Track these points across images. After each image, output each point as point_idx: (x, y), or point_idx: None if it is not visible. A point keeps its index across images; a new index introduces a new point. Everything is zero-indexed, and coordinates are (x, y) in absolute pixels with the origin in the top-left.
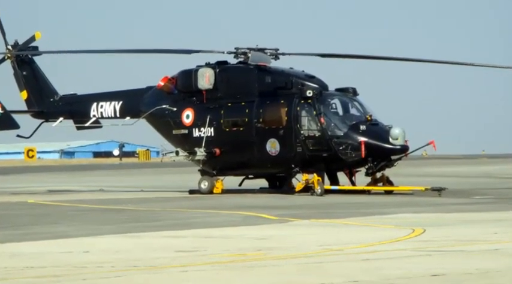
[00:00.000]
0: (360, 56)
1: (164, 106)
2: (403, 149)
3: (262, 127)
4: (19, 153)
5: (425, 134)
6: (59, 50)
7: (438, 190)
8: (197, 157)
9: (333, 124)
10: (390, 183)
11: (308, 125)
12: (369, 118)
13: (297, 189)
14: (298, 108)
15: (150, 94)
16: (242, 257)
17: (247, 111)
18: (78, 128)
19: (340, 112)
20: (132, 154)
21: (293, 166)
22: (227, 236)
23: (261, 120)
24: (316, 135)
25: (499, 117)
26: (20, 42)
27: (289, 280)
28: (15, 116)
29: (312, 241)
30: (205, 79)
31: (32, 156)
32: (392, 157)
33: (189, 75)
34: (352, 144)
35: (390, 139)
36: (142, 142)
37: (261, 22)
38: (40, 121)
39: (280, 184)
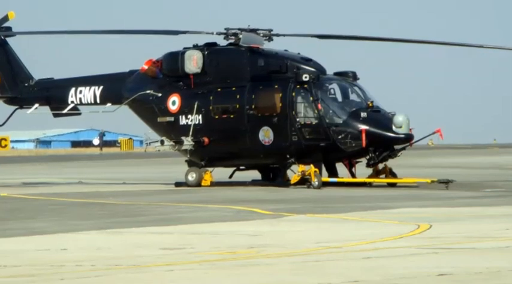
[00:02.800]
0: (360, 37)
1: (148, 91)
2: (407, 138)
3: (255, 115)
4: None
5: (431, 122)
6: (34, 30)
7: (445, 183)
8: (184, 147)
9: (331, 111)
10: (393, 175)
11: (304, 112)
12: (370, 104)
13: (292, 182)
14: (293, 94)
15: (133, 78)
16: (233, 256)
17: (238, 96)
18: (55, 115)
19: (339, 98)
20: (113, 143)
21: (288, 156)
22: (216, 233)
23: (253, 106)
24: (313, 123)
25: None
26: None
27: (284, 280)
28: None
29: (309, 237)
30: (193, 63)
31: (5, 146)
32: (396, 147)
33: (175, 58)
34: (352, 132)
35: (393, 128)
36: (125, 130)
37: (253, 0)
38: (14, 107)
39: (274, 176)
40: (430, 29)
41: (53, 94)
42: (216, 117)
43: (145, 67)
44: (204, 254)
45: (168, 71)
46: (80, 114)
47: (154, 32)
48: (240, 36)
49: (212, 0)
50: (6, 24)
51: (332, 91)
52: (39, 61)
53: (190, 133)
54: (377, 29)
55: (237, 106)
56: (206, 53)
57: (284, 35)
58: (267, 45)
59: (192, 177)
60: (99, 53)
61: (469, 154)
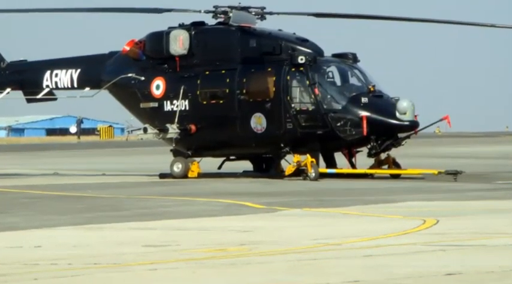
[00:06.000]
0: (361, 16)
1: (130, 75)
2: (412, 125)
3: (246, 100)
4: None
5: (438, 108)
6: (6, 8)
7: (453, 174)
8: (169, 135)
9: (329, 96)
10: (397, 166)
11: (300, 97)
12: (372, 89)
13: (286, 173)
14: (288, 77)
15: (113, 61)
16: (222, 253)
17: (228, 80)
18: (29, 101)
19: (338, 82)
20: (92, 131)
21: (282, 145)
22: (204, 229)
23: (244, 91)
24: (310, 109)
25: None
26: None
27: (278, 279)
28: None
29: (305, 234)
30: (179, 43)
31: None
32: (400, 135)
33: (159, 39)
34: (352, 119)
35: (397, 114)
36: (104, 117)
37: None
38: None
39: (267, 167)
40: (437, 7)
41: (27, 78)
42: (204, 102)
43: (127, 48)
44: (191, 252)
45: (152, 53)
46: (55, 99)
47: (136, 10)
48: (230, 14)
49: None
50: None
51: (330, 74)
52: (11, 42)
53: (176, 120)
54: (379, 7)
55: (227, 90)
56: (193, 32)
57: (278, 13)
58: (259, 25)
59: (177, 167)
60: (77, 32)
61: (479, 143)
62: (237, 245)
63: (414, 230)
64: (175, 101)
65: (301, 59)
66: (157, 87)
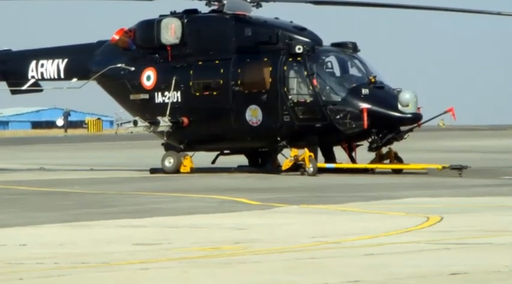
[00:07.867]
0: (361, 3)
1: (119, 65)
2: (415, 118)
3: (241, 91)
4: None
5: (442, 99)
6: None
7: (458, 169)
8: (160, 128)
9: (328, 88)
10: (399, 160)
11: (297, 89)
12: (373, 79)
13: (283, 168)
14: (285, 68)
15: (102, 50)
16: (216, 252)
17: (222, 71)
18: (13, 92)
19: (337, 72)
20: (79, 124)
21: (279, 139)
22: (197, 226)
23: (239, 82)
24: (308, 101)
25: None
26: None
27: (275, 279)
28: None
29: (303, 231)
30: (171, 32)
31: None
32: (402, 128)
33: (150, 27)
34: (352, 111)
35: (399, 106)
36: (92, 109)
37: None
38: None
39: (262, 162)
40: None
41: (11, 68)
42: (197, 94)
43: (116, 37)
44: (183, 251)
45: (142, 42)
46: (41, 90)
47: None
48: (224, 2)
49: None
50: None
51: (329, 64)
52: None
53: (168, 112)
54: None
55: (221, 81)
56: (185, 21)
57: (274, 1)
58: (255, 13)
59: (169, 162)
60: (64, 21)
61: (485, 137)
62: (231, 243)
63: (417, 228)
64: (166, 93)
65: (298, 49)
66: (148, 78)
